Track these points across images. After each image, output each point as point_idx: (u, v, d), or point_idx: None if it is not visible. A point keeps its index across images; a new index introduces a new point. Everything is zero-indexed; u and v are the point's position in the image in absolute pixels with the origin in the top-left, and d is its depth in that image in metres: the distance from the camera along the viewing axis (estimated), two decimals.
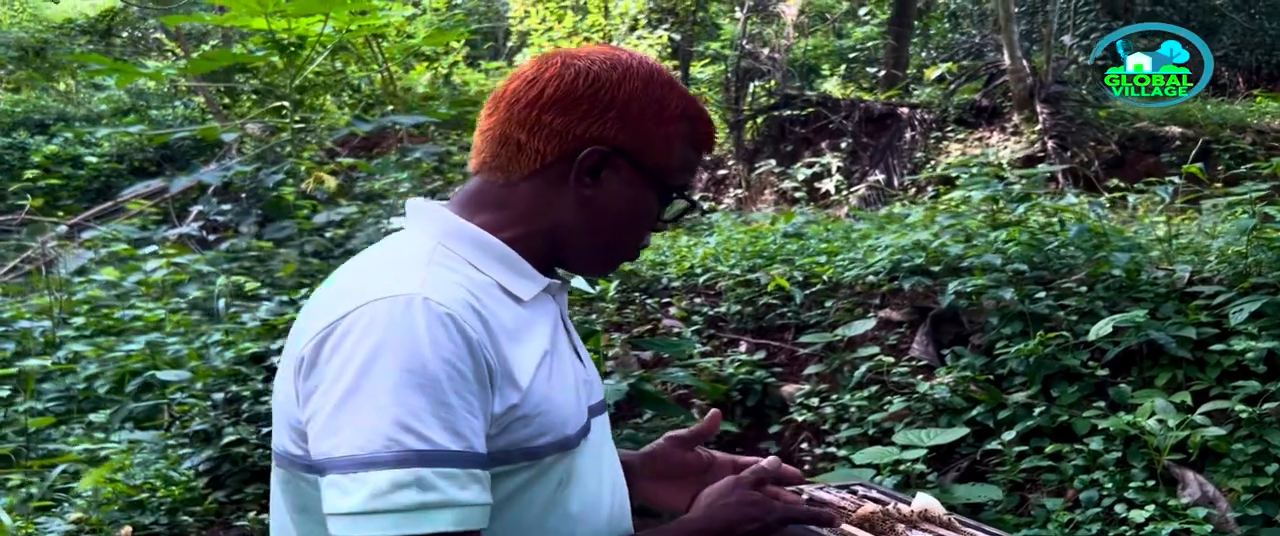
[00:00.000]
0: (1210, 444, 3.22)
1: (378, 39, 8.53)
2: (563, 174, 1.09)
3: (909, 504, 2.43)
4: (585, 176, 1.09)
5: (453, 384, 0.94)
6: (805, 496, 2.48)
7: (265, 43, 7.19)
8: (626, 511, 1.20)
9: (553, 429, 1.05)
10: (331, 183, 6.79)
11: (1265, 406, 3.23)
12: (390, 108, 9.33)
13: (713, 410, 1.34)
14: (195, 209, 8.42)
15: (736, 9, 13.46)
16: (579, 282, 2.75)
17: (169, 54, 15.51)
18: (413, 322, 0.95)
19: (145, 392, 4.33)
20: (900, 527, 2.29)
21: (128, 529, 3.24)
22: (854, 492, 2.51)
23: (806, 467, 3.78)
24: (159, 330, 4.59)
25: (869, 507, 2.34)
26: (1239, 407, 3.23)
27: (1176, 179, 4.34)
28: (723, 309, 4.79)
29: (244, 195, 7.73)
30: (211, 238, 7.97)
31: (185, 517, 3.34)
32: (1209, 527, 2.98)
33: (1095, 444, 3.37)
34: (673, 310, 4.87)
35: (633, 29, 12.20)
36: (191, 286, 5.71)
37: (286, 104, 8.10)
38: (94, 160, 13.00)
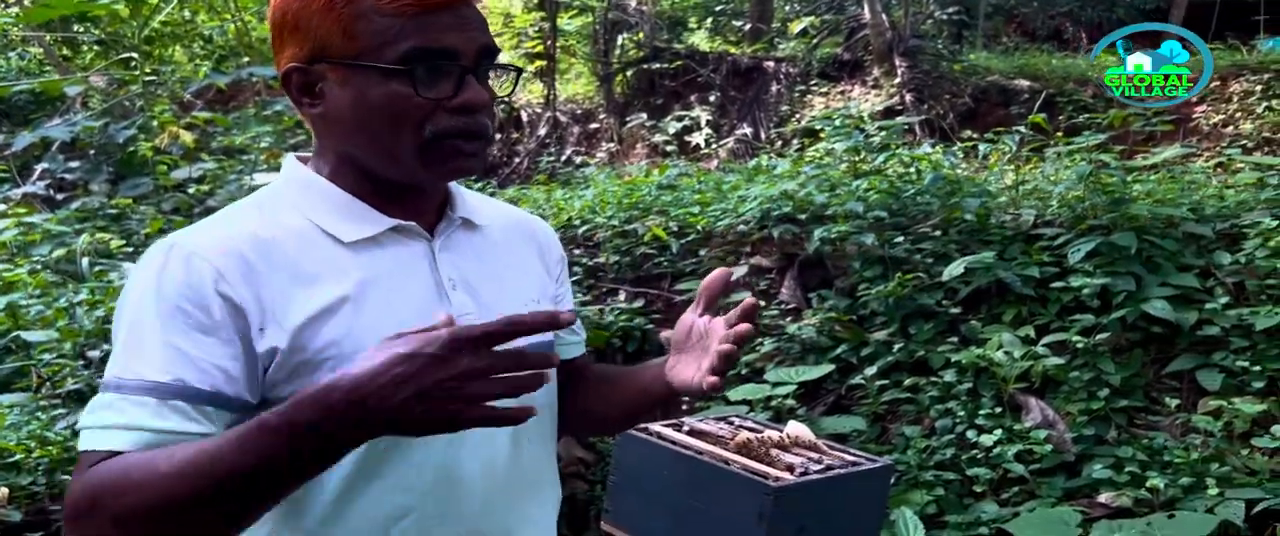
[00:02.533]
0: (1051, 373, 3.50)
1: None
2: (298, 103, 1.10)
3: (781, 431, 2.61)
4: (304, 99, 1.09)
5: (172, 321, 1.00)
6: (686, 429, 2.64)
7: None
8: (532, 456, 1.22)
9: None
10: (187, 138, 6.56)
11: (1099, 337, 3.53)
12: (246, 59, 9.02)
13: (719, 268, 1.20)
14: (40, 166, 8.00)
15: None
16: None
17: None
18: (149, 267, 1.04)
19: (5, 356, 4.18)
20: (775, 452, 2.47)
21: (4, 490, 3.15)
22: (731, 423, 2.67)
23: (686, 407, 3.94)
24: (16, 291, 4.40)
25: (745, 436, 2.51)
26: (1076, 339, 3.52)
27: (1023, 129, 4.63)
28: (601, 259, 4.89)
29: (93, 151, 7.39)
30: (60, 196, 7.60)
31: (64, 477, 3.27)
32: (1049, 447, 3.27)
33: (949, 376, 3.62)
34: None
35: None
36: (44, 247, 5.47)
37: (135, 56, 7.75)
38: None
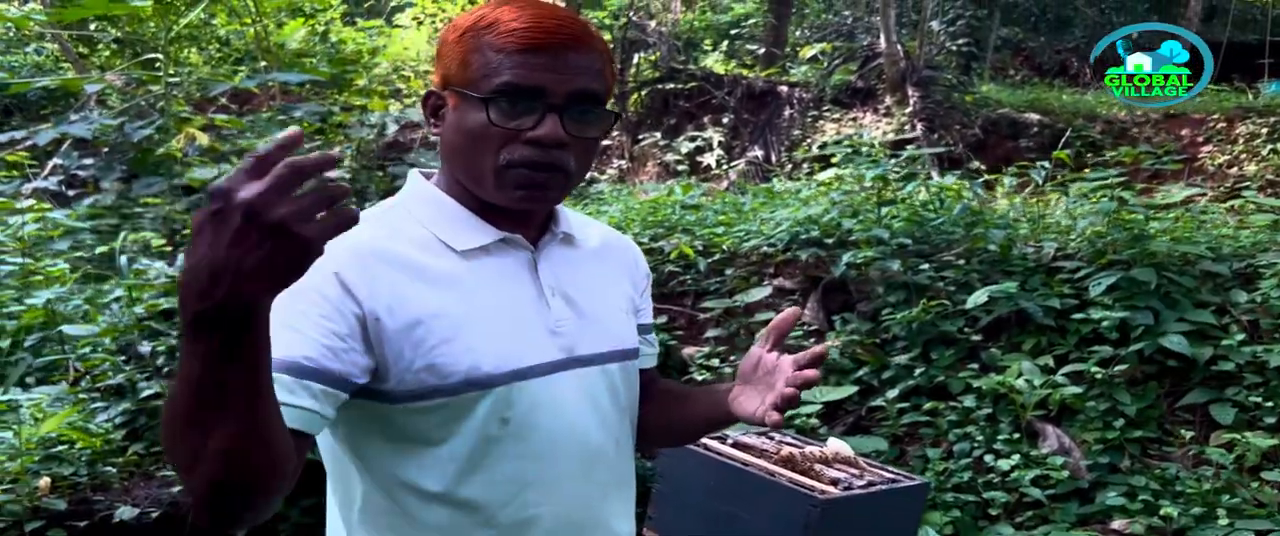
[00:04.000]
0: (1068, 401, 3.61)
1: None
2: (429, 124, 1.24)
3: (823, 447, 2.72)
4: (431, 119, 1.23)
5: (292, 303, 1.05)
6: (730, 442, 2.75)
7: None
8: (614, 457, 1.29)
9: (461, 365, 1.14)
10: (204, 139, 6.67)
11: (1116, 368, 3.64)
12: (262, 63, 9.13)
13: (791, 309, 1.31)
14: (52, 162, 8.09)
15: None
16: None
17: None
18: None
19: (41, 349, 4.26)
20: (818, 467, 2.58)
21: (46, 480, 3.23)
22: (773, 438, 2.79)
23: None
24: (54, 284, 4.50)
25: (789, 450, 2.62)
26: (1094, 369, 3.63)
27: (1046, 163, 4.76)
28: None
29: (107, 150, 7.47)
30: (70, 193, 7.68)
31: (107, 468, 3.35)
32: (1065, 474, 3.37)
33: (968, 401, 3.73)
34: None
35: None
36: (62, 242, 5.55)
37: (159, 56, 7.85)
38: None
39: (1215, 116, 8.98)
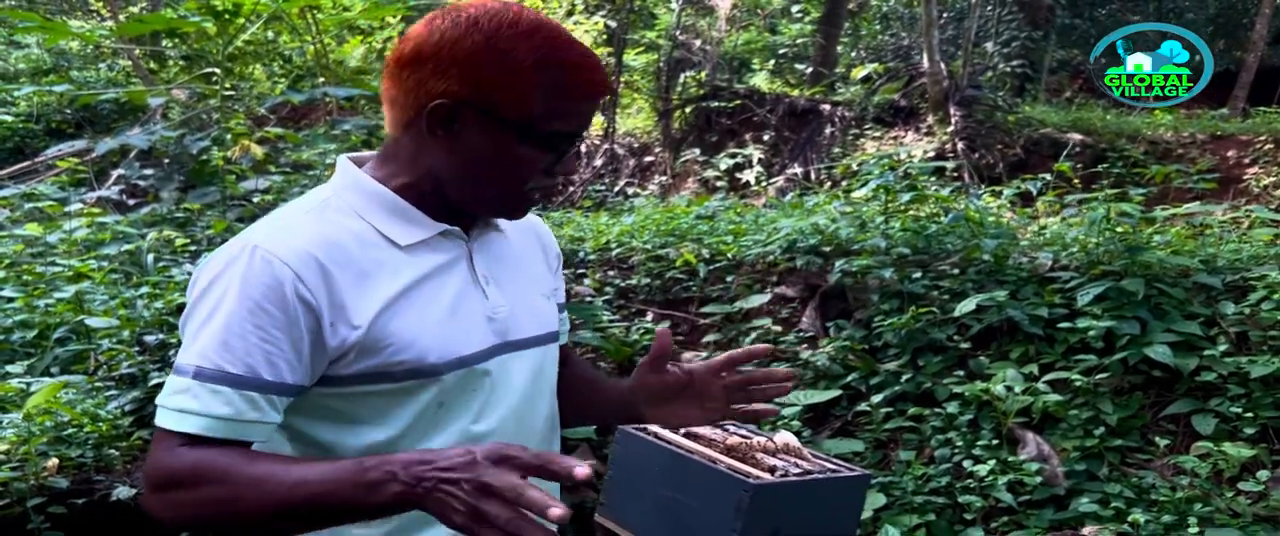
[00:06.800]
0: (1050, 409, 3.60)
1: (313, 10, 8.64)
2: (425, 127, 1.19)
3: (770, 438, 2.77)
4: (438, 128, 1.19)
5: (253, 319, 1.13)
6: (682, 430, 2.81)
7: (200, 8, 7.28)
8: (542, 435, 1.39)
9: (407, 356, 1.18)
10: (258, 151, 6.91)
11: (1099, 377, 3.62)
12: (321, 79, 9.42)
13: (659, 328, 1.49)
14: (116, 172, 8.40)
15: (673, 0, 13.72)
16: None
17: (94, 14, 15.30)
18: (234, 266, 1.16)
19: (70, 340, 4.49)
20: (760, 455, 2.63)
21: (54, 461, 3.40)
22: (725, 429, 2.84)
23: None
24: (87, 280, 4.73)
25: (735, 439, 2.68)
26: (1077, 378, 3.62)
27: (1048, 176, 4.74)
28: (634, 281, 5.08)
29: (167, 161, 7.78)
30: (131, 202, 7.99)
31: (111, 452, 3.53)
32: (1039, 479, 3.36)
33: (952, 407, 3.73)
34: (587, 281, 5.15)
35: (570, 14, 12.39)
36: (113, 247, 5.80)
37: (216, 71, 8.16)
38: (9, 119, 12.77)
39: (1262, 138, 8.78)
